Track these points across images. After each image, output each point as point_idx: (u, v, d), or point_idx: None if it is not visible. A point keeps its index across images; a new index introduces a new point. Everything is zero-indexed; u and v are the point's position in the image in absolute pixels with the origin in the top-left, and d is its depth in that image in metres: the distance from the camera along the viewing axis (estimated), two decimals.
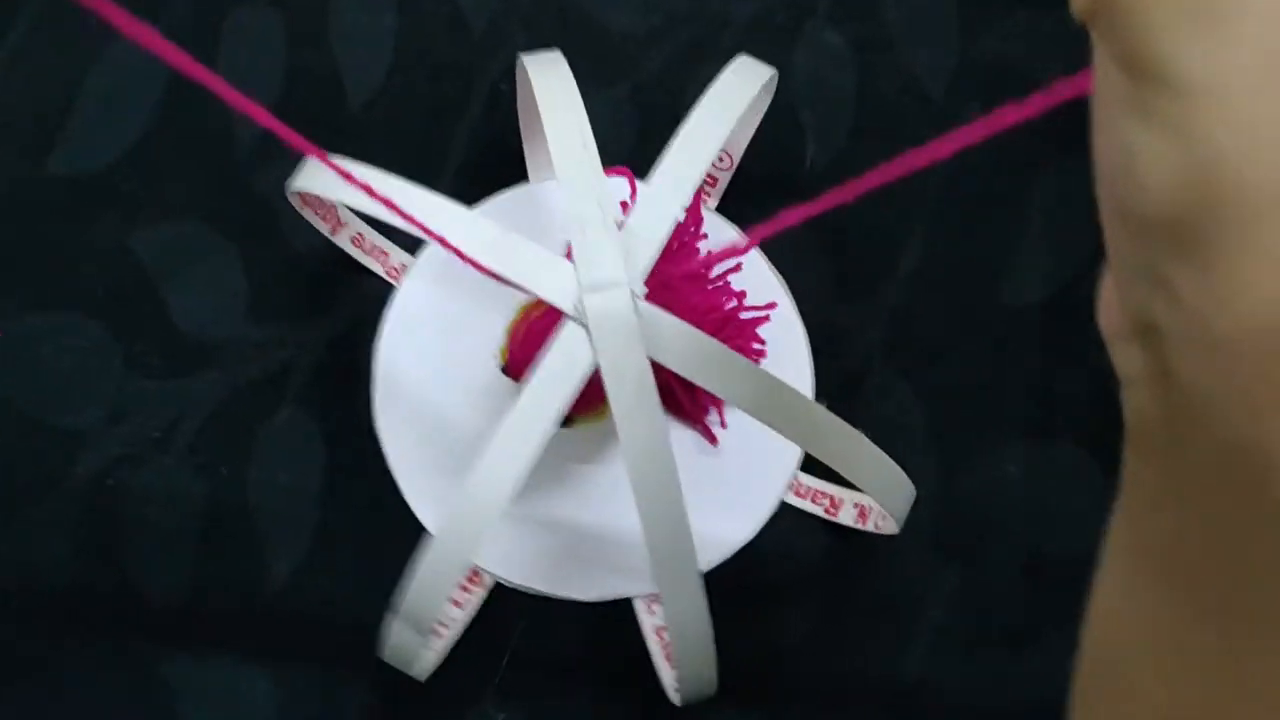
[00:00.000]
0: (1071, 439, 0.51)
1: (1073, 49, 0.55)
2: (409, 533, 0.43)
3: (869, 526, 0.48)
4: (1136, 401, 0.23)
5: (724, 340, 0.40)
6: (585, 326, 0.36)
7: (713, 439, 0.48)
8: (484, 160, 0.52)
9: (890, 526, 0.47)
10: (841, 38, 0.54)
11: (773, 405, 0.37)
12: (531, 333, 0.40)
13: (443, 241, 0.37)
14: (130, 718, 0.47)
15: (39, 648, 0.47)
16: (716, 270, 0.48)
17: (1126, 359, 0.23)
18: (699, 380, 0.37)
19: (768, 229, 0.39)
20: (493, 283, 0.44)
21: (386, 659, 0.42)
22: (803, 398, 0.38)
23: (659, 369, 0.37)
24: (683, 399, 0.45)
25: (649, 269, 0.37)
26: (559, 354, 0.36)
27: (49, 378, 0.50)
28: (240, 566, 0.48)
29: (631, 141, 0.53)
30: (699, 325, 0.37)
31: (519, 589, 0.48)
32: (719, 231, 0.49)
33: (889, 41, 0.54)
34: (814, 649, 0.49)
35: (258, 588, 0.48)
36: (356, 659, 0.48)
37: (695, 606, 0.38)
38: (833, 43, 0.54)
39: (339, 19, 0.54)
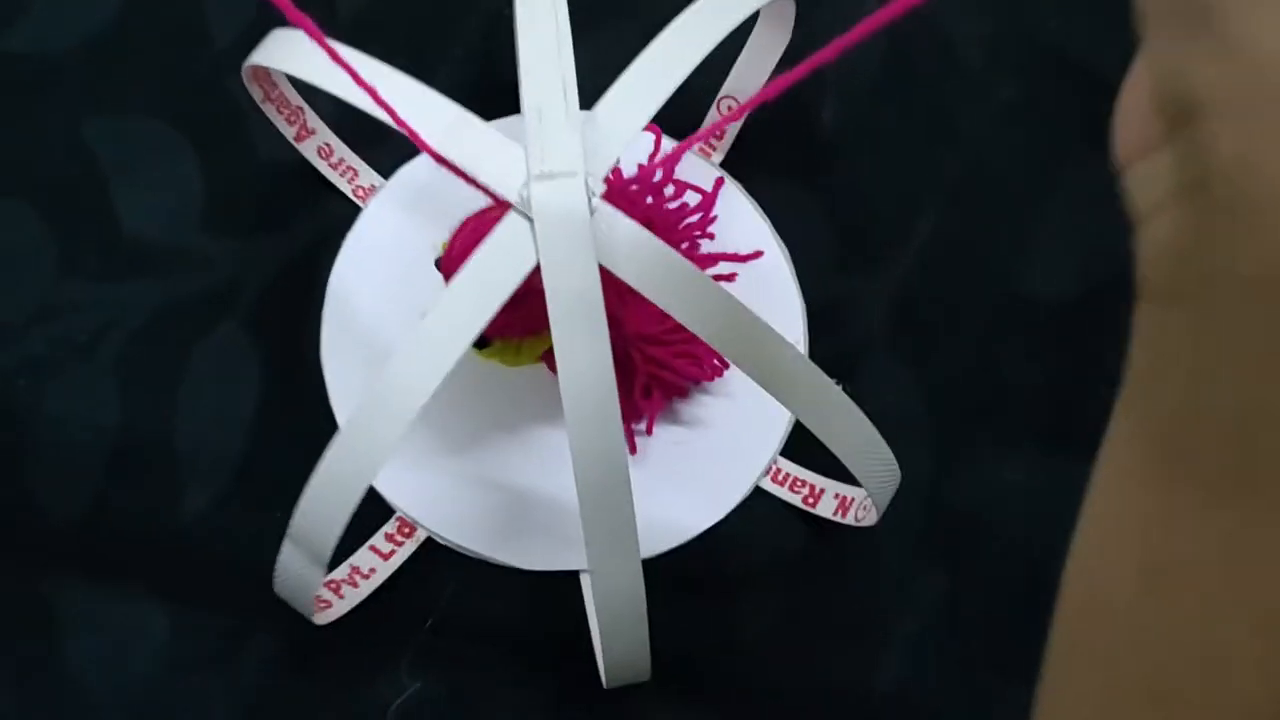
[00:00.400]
0: (1089, 454, 0.46)
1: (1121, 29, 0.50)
2: None
3: (849, 519, 0.43)
4: (1158, 234, 0.19)
5: None
6: (529, 219, 0.31)
7: (631, 447, 0.44)
8: (476, 87, 0.48)
9: (872, 518, 0.42)
10: None
11: (740, 337, 0.33)
12: (477, 229, 0.35)
13: (393, 114, 0.33)
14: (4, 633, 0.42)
15: None
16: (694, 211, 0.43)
17: (1149, 180, 0.19)
18: (657, 297, 0.32)
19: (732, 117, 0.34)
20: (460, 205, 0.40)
21: (275, 589, 0.37)
22: (777, 336, 0.33)
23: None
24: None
25: (611, 167, 0.32)
26: (495, 248, 0.32)
27: None
28: (151, 492, 0.44)
29: None
30: None
31: (454, 548, 0.43)
32: (704, 176, 0.44)
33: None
34: (773, 649, 0.44)
35: (167, 517, 0.44)
36: (265, 608, 0.43)
37: (626, 572, 0.33)
38: None
39: None
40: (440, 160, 0.33)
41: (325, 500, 0.33)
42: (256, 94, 0.43)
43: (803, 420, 0.35)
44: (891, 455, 0.37)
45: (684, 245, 0.42)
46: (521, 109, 0.33)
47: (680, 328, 0.41)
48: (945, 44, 0.50)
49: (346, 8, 0.49)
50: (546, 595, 0.43)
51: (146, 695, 0.42)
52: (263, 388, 0.45)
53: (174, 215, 0.47)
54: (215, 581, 0.43)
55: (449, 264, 0.36)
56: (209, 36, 0.48)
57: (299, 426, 0.44)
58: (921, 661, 0.44)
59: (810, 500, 0.44)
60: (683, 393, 0.45)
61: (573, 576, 0.43)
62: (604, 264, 0.31)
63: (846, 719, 0.44)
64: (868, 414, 0.40)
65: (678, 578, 0.44)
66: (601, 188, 0.32)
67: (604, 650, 0.35)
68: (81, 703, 0.42)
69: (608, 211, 0.32)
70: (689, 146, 0.35)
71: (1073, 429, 0.46)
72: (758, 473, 0.44)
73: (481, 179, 0.32)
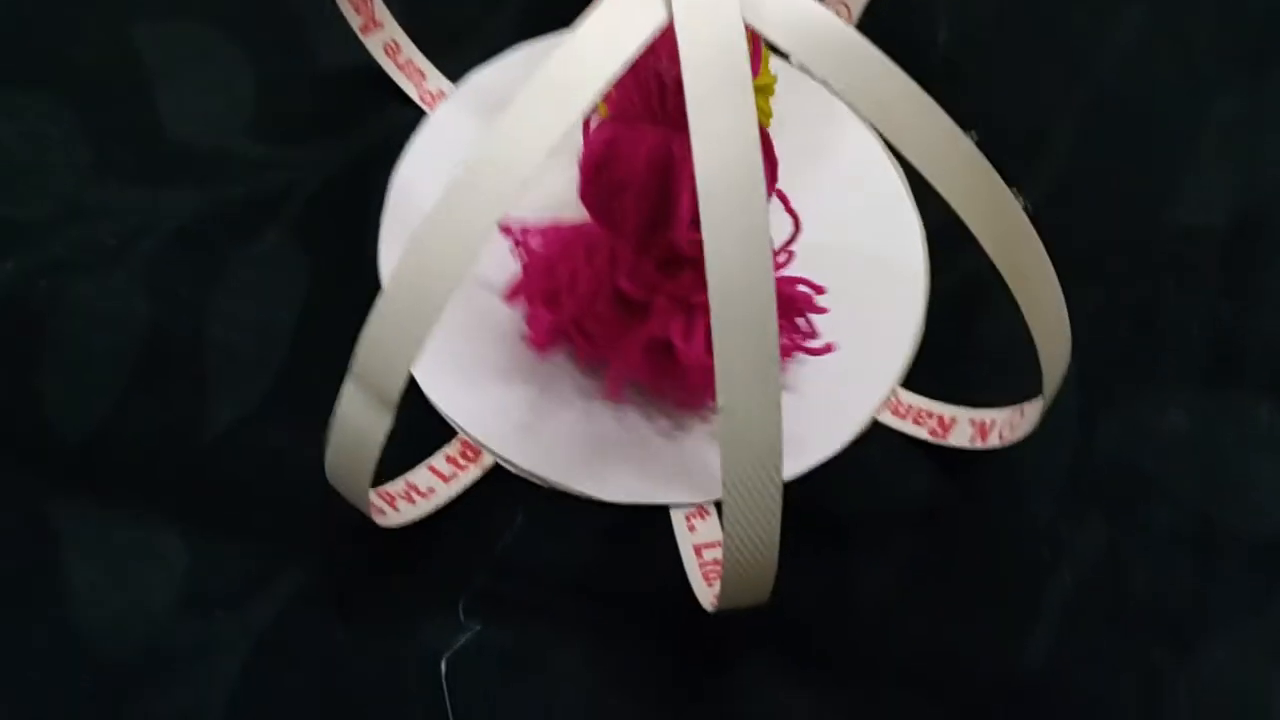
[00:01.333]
0: (1258, 388, 0.39)
1: None
2: None
3: (992, 442, 0.37)
4: None
5: None
6: None
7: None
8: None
9: (1026, 427, 0.35)
10: None
11: (917, 124, 0.27)
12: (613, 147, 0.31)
13: None
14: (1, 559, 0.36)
15: None
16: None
17: None
18: (822, 71, 0.27)
19: None
20: None
21: (328, 459, 0.31)
22: (958, 131, 0.28)
23: None
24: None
25: None
26: (616, 5, 0.27)
27: None
28: (175, 406, 0.38)
29: None
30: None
31: (524, 475, 0.37)
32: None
33: None
34: (899, 612, 0.36)
35: (190, 433, 0.38)
36: (296, 533, 0.36)
37: (764, 411, 0.27)
38: None
39: None
40: None
41: (404, 310, 0.27)
42: None
43: (987, 247, 0.29)
44: (1066, 315, 0.31)
45: None
46: None
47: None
48: None
49: None
50: (626, 538, 0.37)
51: (157, 633, 0.35)
52: (307, 298, 0.40)
53: (221, 120, 0.42)
54: (241, 507, 0.37)
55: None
56: None
57: (344, 342, 0.39)
58: (1076, 631, 0.36)
59: (939, 432, 0.38)
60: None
61: (657, 517, 0.37)
62: (751, 23, 0.26)
63: (986, 700, 0.36)
64: (995, 349, 0.35)
65: (785, 526, 0.37)
66: None
67: (726, 534, 0.28)
68: (82, 638, 0.35)
69: None
70: None
71: (1236, 366, 0.40)
72: (875, 403, 0.38)
73: None
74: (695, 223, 0.28)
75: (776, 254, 0.37)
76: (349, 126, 0.42)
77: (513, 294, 0.38)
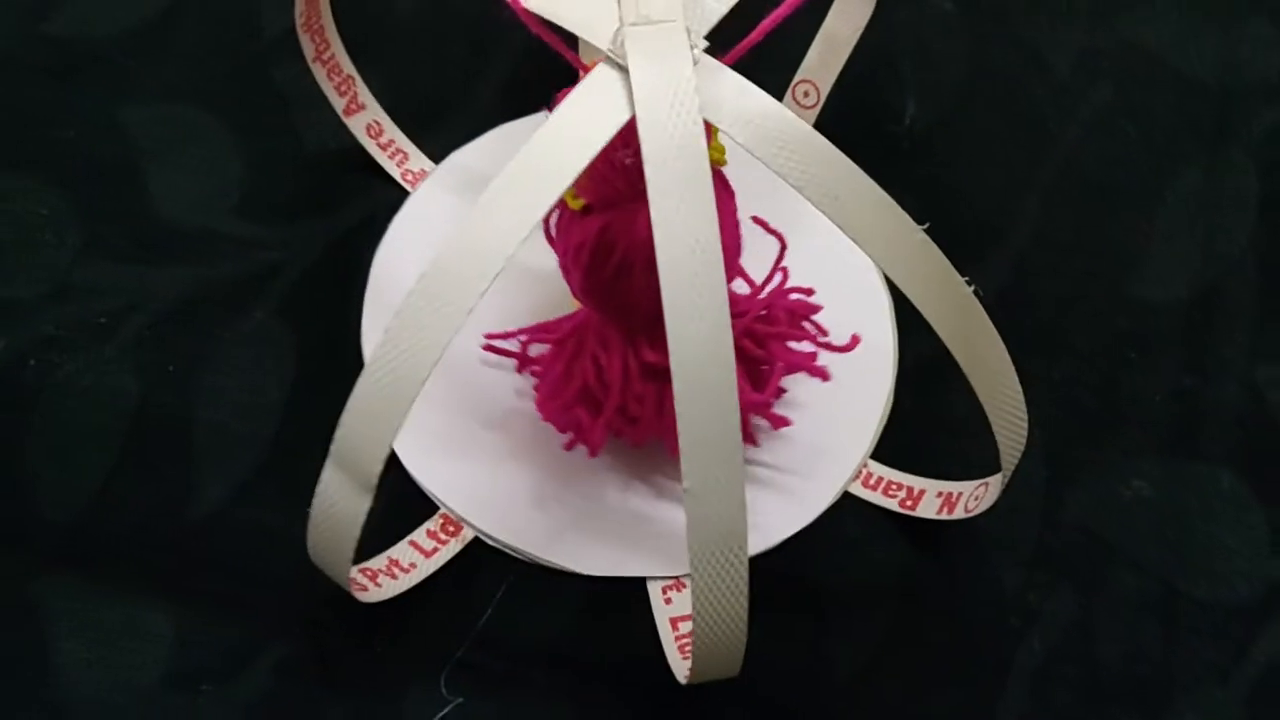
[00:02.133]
0: (1219, 458, 0.40)
1: (1221, 37, 0.48)
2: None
3: (958, 514, 0.37)
4: None
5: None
6: (623, 69, 0.28)
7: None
8: (533, 75, 0.46)
9: (988, 500, 0.36)
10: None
11: (865, 208, 0.28)
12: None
13: None
14: None
15: None
16: None
17: None
18: (769, 159, 0.28)
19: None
20: None
21: (310, 542, 0.32)
22: (907, 218, 0.29)
23: None
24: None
25: (712, 25, 0.29)
26: (584, 97, 0.28)
27: None
28: (162, 484, 0.39)
29: None
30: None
31: (504, 549, 0.38)
32: None
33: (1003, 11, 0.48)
34: (872, 681, 0.37)
35: (177, 512, 0.38)
36: (282, 611, 0.37)
37: (727, 492, 0.28)
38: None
39: None
40: (518, 9, 0.30)
41: (380, 394, 0.28)
42: (308, 50, 0.40)
43: (944, 336, 0.30)
44: (1022, 396, 0.32)
45: None
46: None
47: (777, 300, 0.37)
48: (1031, 52, 0.47)
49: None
50: (606, 608, 0.38)
51: (145, 711, 0.36)
52: (295, 376, 0.41)
53: (210, 201, 0.43)
54: (228, 583, 0.38)
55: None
56: (258, 27, 0.46)
57: (331, 419, 0.40)
58: (1046, 699, 0.37)
59: (909, 503, 0.39)
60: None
61: (637, 587, 0.37)
62: (711, 119, 0.28)
63: None
64: (968, 422, 0.36)
65: (755, 595, 0.38)
66: (704, 43, 0.28)
67: (695, 611, 0.29)
68: (70, 718, 0.35)
69: (712, 64, 0.28)
70: None
71: (1199, 436, 0.41)
72: (846, 476, 0.39)
73: (568, 24, 0.28)
74: None
75: (770, 274, 0.38)
76: (334, 206, 0.43)
77: (546, 409, 0.38)
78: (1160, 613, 0.38)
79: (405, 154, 0.43)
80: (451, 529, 0.38)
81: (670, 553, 0.38)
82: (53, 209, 0.43)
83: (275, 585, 0.37)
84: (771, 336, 0.38)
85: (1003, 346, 0.31)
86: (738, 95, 0.28)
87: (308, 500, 0.31)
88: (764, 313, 0.38)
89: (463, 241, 0.27)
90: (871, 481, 0.39)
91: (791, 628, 0.38)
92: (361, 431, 0.29)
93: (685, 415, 0.27)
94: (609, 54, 0.28)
